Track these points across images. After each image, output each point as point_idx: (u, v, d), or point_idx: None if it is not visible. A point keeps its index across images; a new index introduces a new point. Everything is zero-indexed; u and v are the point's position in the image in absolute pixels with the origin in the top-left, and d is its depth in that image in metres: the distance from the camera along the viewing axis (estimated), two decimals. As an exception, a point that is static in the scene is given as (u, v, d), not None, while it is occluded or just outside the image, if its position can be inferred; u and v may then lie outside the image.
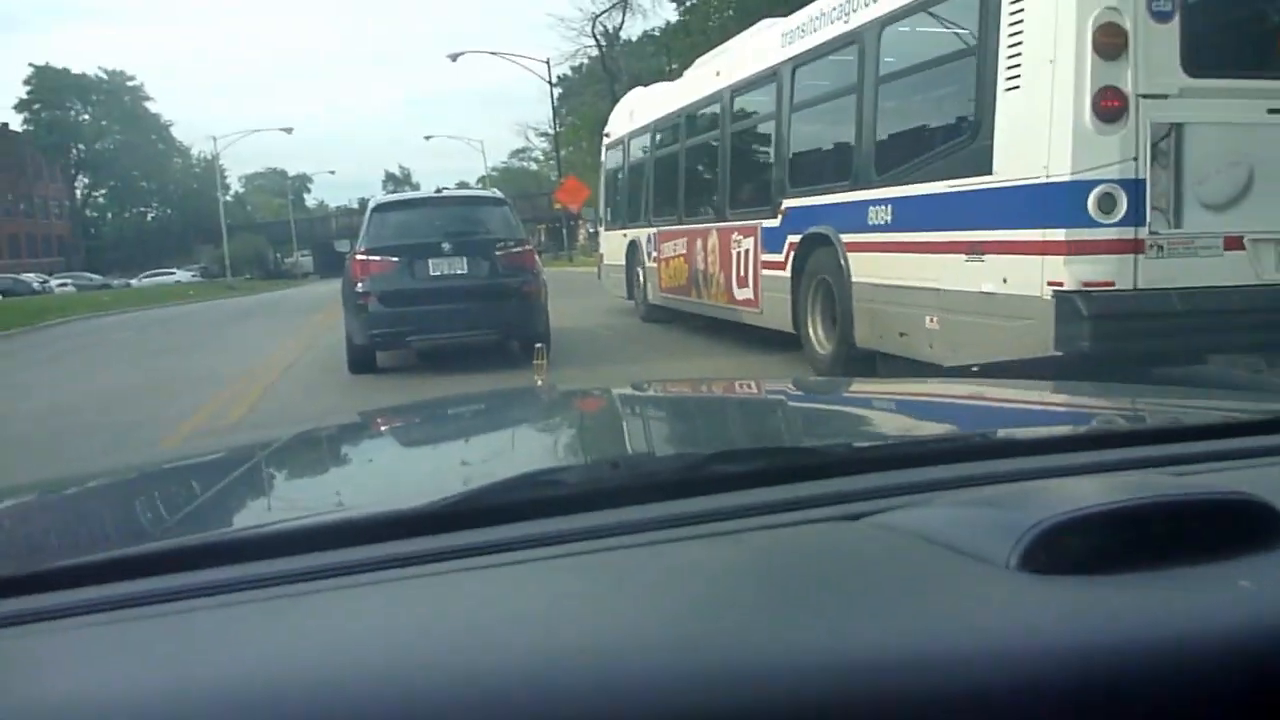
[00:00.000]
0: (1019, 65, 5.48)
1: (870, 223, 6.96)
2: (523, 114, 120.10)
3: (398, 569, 0.91)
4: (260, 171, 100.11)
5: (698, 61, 11.74)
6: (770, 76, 8.67)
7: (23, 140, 69.08)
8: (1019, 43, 5.48)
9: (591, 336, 11.69)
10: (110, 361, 13.51)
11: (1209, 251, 5.28)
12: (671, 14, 40.70)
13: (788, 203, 8.26)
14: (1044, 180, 5.31)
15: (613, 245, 14.14)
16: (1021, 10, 5.47)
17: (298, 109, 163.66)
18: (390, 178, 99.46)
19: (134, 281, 57.77)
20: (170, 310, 29.09)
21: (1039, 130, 5.33)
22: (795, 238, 8.05)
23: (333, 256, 57.13)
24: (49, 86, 71.01)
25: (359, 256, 9.45)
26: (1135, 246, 5.18)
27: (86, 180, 77.94)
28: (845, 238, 7.28)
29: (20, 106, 71.11)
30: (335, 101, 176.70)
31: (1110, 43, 5.08)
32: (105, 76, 74.00)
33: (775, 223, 8.43)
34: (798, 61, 8.18)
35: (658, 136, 12.20)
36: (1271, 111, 5.26)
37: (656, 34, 45.13)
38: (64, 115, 72.15)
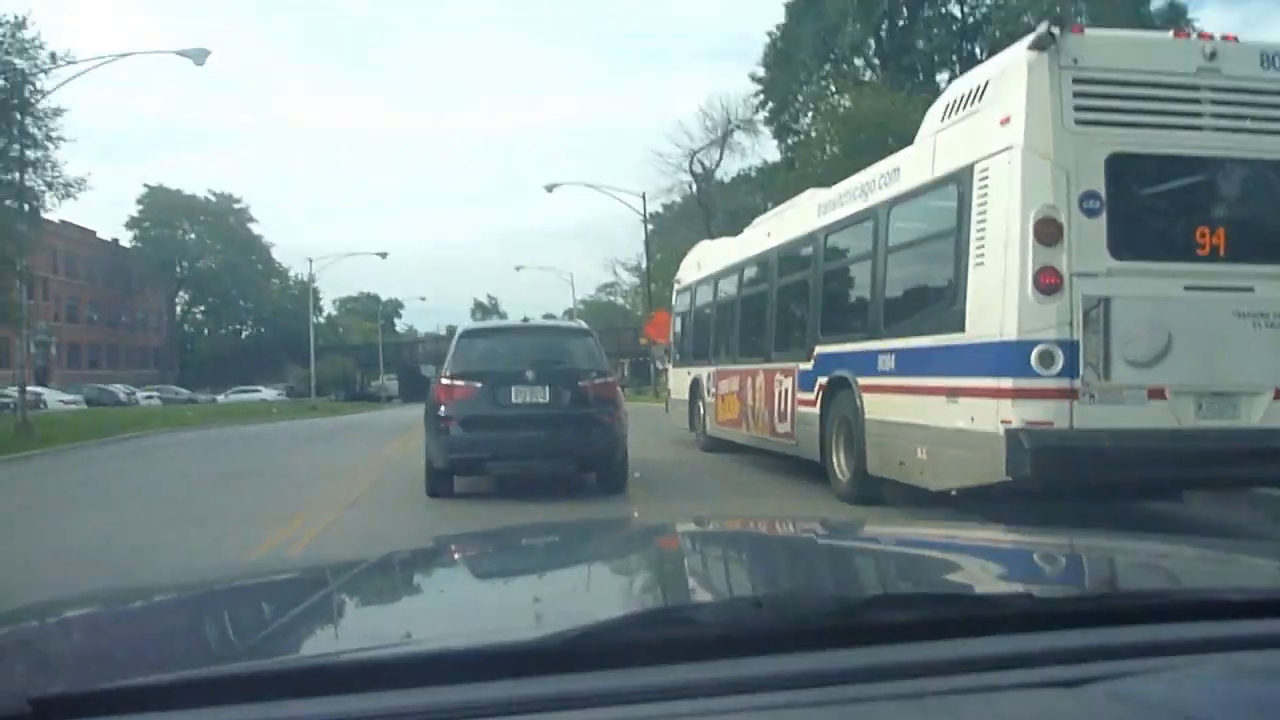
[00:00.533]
0: (984, 246, 7.18)
1: (879, 369, 8.62)
2: (612, 250, 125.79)
3: (506, 718, 0.84)
4: (354, 295, 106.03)
5: (755, 221, 13.77)
6: (808, 240, 10.58)
7: (130, 256, 74.86)
8: (984, 228, 7.19)
9: (657, 466, 12.71)
10: (156, 486, 12.89)
11: (1135, 400, 6.78)
12: (771, 152, 43.14)
13: (819, 349, 9.98)
14: (999, 339, 6.92)
15: (679, 382, 16.05)
16: (986, 203, 7.19)
17: (394, 234, 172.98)
18: (479, 306, 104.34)
19: (220, 398, 60.85)
20: (249, 429, 29.52)
21: (996, 298, 6.98)
22: (824, 379, 9.72)
23: (418, 381, 59.80)
24: (160, 206, 76.51)
25: (444, 380, 9.90)
26: (1071, 394, 6.70)
27: (186, 296, 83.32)
28: (860, 380, 8.93)
29: (131, 224, 76.79)
30: (430, 229, 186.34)
31: (1049, 232, 6.73)
32: (213, 198, 79.70)
33: (809, 366, 10.14)
34: (829, 229, 10.06)
35: (719, 285, 14.20)
36: (1188, 289, 6.83)
37: (753, 174, 47.41)
38: (171, 234, 77.24)
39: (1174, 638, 1.03)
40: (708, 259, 15.26)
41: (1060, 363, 6.69)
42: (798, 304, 10.97)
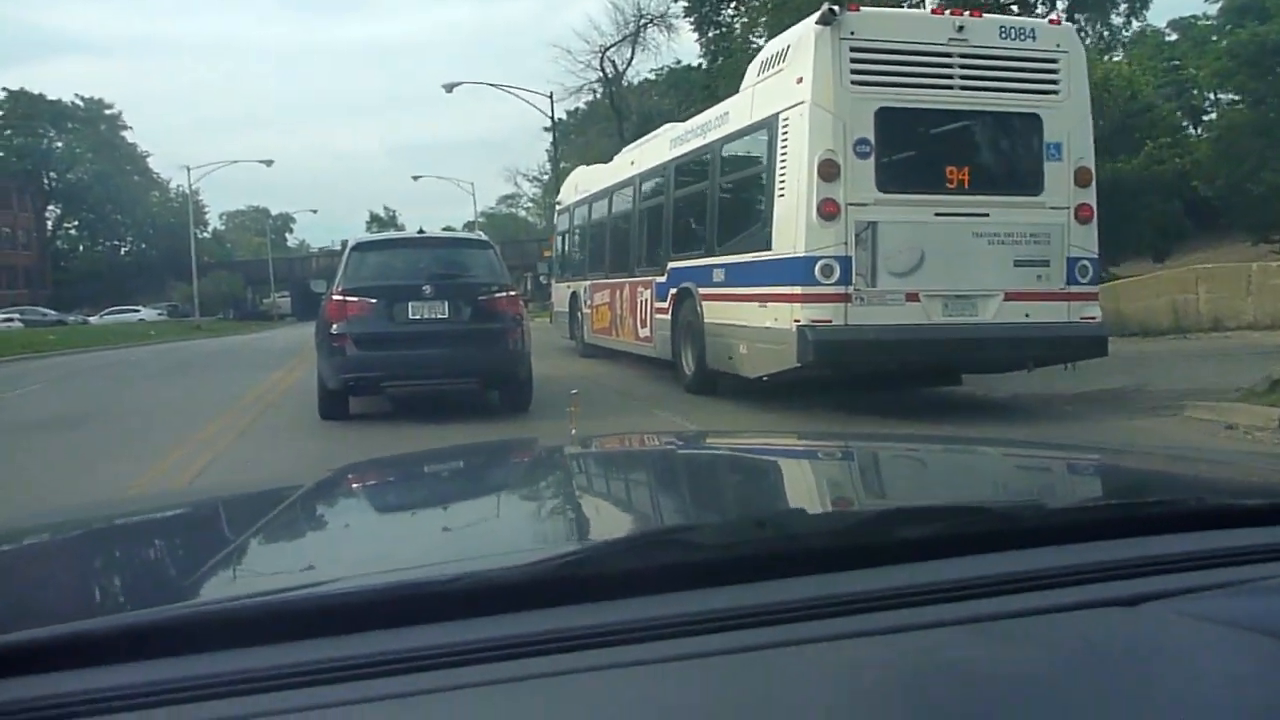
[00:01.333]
0: (784, 181, 9.45)
1: (714, 281, 10.92)
2: (513, 161, 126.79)
3: (488, 661, 0.81)
4: (242, 209, 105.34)
5: (624, 150, 15.93)
6: (662, 170, 12.82)
7: (-11, 166, 72.87)
8: (785, 166, 9.45)
9: (548, 379, 12.00)
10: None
11: (895, 302, 9.15)
12: (688, 50, 42.14)
13: (671, 264, 12.25)
14: (792, 255, 9.24)
15: (560, 295, 18.39)
16: (786, 145, 9.44)
17: (284, 146, 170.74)
18: (375, 219, 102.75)
19: (93, 319, 59.30)
20: (116, 354, 27.95)
21: (791, 222, 9.28)
22: (674, 290, 12.01)
23: (312, 298, 60.02)
24: (21, 112, 74.22)
25: (335, 296, 9.78)
26: (845, 298, 9.04)
27: (58, 210, 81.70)
28: (701, 291, 11.23)
29: None
30: (323, 142, 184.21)
31: (829, 171, 9.00)
32: (81, 104, 77.60)
33: (663, 279, 12.43)
34: (677, 161, 12.31)
35: (593, 207, 16.44)
36: (937, 215, 9.20)
37: (663, 75, 47.13)
38: (35, 142, 75.34)
39: (1223, 546, 1.02)
40: (585, 182, 17.51)
41: (837, 273, 9.02)
42: (655, 225, 13.24)
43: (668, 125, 13.73)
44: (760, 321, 9.78)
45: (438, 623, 0.86)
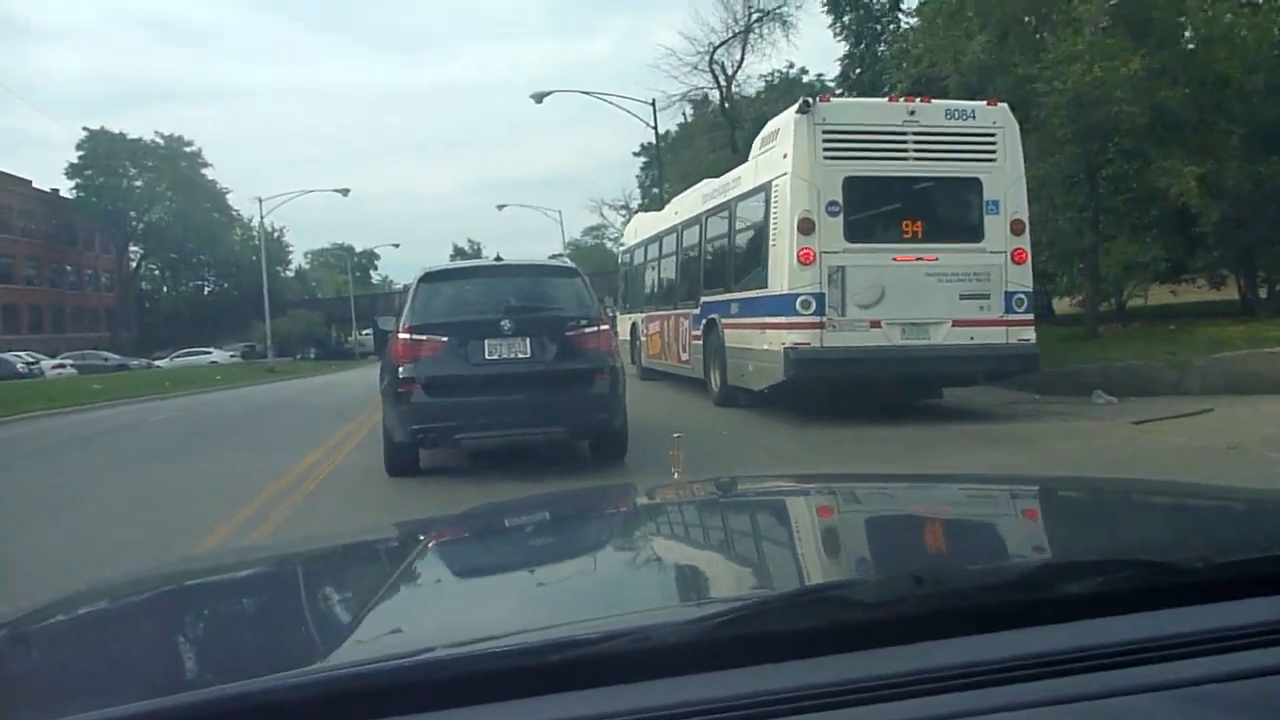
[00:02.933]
0: (775, 233, 13.37)
1: (732, 312, 14.90)
2: (598, 194, 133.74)
3: None
4: (326, 247, 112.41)
5: (672, 200, 20.06)
6: (696, 220, 16.94)
7: (72, 207, 78.69)
8: (776, 222, 13.37)
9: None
10: None
11: (861, 328, 12.95)
12: (807, 45, 41.76)
13: (703, 298, 16.26)
14: (781, 293, 13.14)
15: (623, 325, 22.66)
16: (776, 206, 13.36)
17: (369, 185, 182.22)
18: (459, 252, 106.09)
19: (162, 362, 60.72)
20: (159, 405, 26.88)
21: (779, 267, 13.19)
22: (705, 320, 16.01)
23: (383, 337, 63.97)
24: (102, 152, 79.15)
25: (402, 335, 9.46)
26: (820, 326, 12.87)
27: (140, 250, 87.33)
28: (723, 321, 15.21)
29: (71, 172, 79.53)
30: (408, 180, 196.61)
31: (806, 227, 12.88)
32: (160, 141, 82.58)
33: (698, 311, 16.44)
34: (707, 213, 16.42)
35: (647, 249, 20.71)
36: (894, 259, 13.00)
37: (775, 82, 46.50)
38: (116, 182, 79.87)
39: None
40: (641, 227, 21.98)
41: (814, 307, 12.85)
42: (692, 265, 17.35)
43: (704, 181, 17.86)
44: (761, 345, 13.67)
45: (589, 688, 0.90)
